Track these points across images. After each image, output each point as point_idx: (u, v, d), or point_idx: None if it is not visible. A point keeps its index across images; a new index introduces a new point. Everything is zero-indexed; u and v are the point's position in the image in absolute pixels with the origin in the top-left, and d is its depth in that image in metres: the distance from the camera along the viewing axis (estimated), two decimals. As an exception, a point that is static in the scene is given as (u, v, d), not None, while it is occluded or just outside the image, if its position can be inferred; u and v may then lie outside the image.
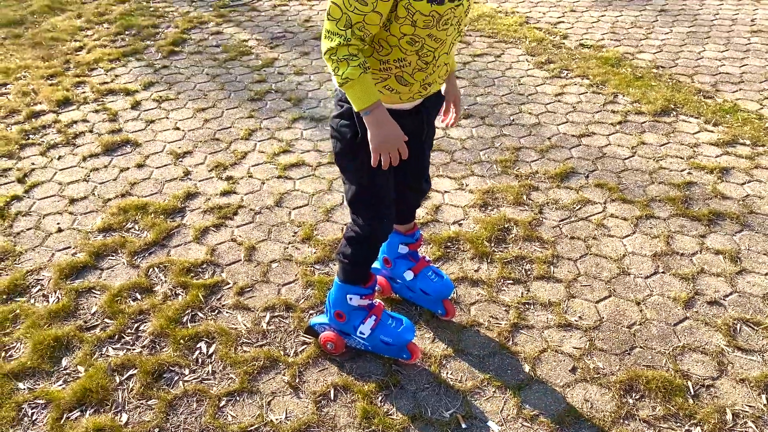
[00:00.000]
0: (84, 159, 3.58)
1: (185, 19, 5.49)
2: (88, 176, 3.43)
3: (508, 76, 4.49)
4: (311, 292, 2.63)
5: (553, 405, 2.15)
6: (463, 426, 2.09)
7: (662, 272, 2.72)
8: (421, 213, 3.06)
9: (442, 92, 2.13)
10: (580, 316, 2.50)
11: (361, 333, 2.22)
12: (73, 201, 3.24)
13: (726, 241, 2.89)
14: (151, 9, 5.72)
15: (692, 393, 2.18)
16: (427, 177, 2.23)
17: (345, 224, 3.01)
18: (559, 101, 4.14)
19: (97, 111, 4.07)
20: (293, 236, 2.96)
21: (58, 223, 3.08)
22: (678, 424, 2.08)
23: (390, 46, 1.76)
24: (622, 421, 2.09)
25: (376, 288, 2.42)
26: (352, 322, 2.22)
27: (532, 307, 2.55)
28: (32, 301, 2.62)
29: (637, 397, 2.18)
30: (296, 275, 2.73)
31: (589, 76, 4.47)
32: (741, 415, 2.10)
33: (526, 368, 2.29)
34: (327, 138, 3.73)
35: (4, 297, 2.63)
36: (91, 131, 3.85)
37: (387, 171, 1.94)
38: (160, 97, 4.23)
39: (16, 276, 2.72)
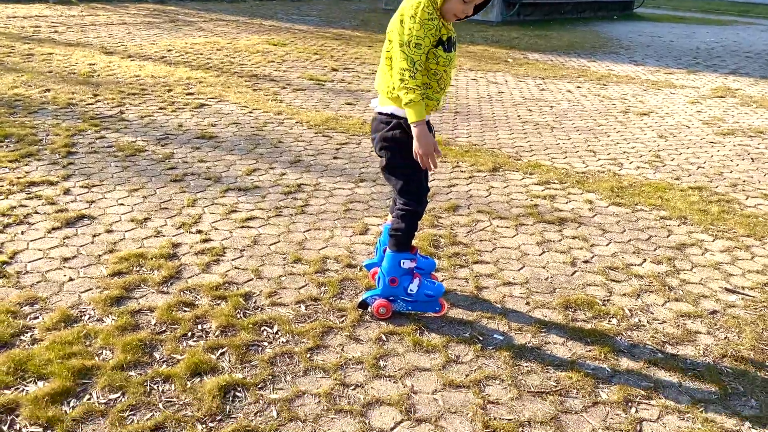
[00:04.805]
0: (49, 231, 3.85)
1: (60, 128, 5.82)
2: (64, 242, 3.73)
3: (375, 154, 5.68)
4: (325, 288, 3.38)
5: (525, 320, 3.19)
6: (480, 339, 3.01)
7: (547, 251, 3.98)
8: (373, 235, 3.99)
9: None
10: (513, 278, 3.61)
11: (410, 291, 3.06)
12: (65, 259, 3.54)
13: (574, 232, 4.29)
14: (17, 122, 5.92)
15: (601, 303, 3.39)
16: (428, 177, 3.22)
17: (319, 250, 3.81)
18: (421, 168, 5.41)
19: (30, 198, 4.30)
20: (284, 260, 3.67)
21: (65, 275, 3.38)
22: (596, 319, 3.25)
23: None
24: (569, 322, 3.20)
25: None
26: (403, 284, 3.06)
27: (481, 277, 3.60)
28: (91, 324, 2.95)
29: (572, 309, 3.32)
30: (305, 282, 3.45)
31: (432, 152, 5.86)
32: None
33: (498, 306, 3.31)
34: (262, 200, 4.49)
35: (62, 325, 2.92)
36: (37, 212, 4.10)
37: (421, 168, 2.93)
38: (86, 184, 4.60)
39: (62, 309, 3.02)
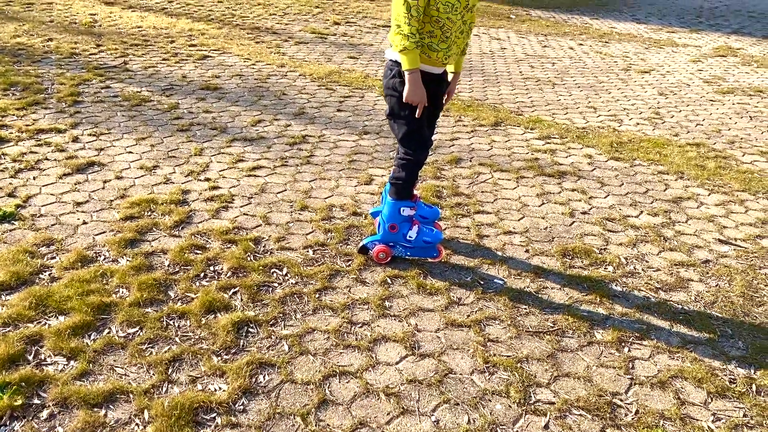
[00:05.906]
0: (60, 177, 3.93)
1: (65, 77, 5.84)
2: (76, 188, 3.82)
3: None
4: (332, 234, 3.48)
5: (524, 266, 3.31)
6: (481, 283, 3.14)
7: (546, 203, 4.08)
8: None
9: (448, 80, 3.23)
10: (513, 227, 3.72)
11: (409, 237, 3.16)
12: (78, 204, 3.63)
13: (573, 185, 4.38)
14: (21, 71, 5.93)
15: (598, 251, 3.51)
16: (433, 130, 3.28)
17: (325, 198, 3.91)
18: (423, 121, 5.47)
19: (40, 145, 4.37)
20: (291, 208, 3.77)
21: (78, 219, 3.48)
22: (593, 266, 3.37)
23: (424, 23, 2.82)
24: (566, 269, 3.32)
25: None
26: (402, 230, 3.16)
27: (482, 226, 3.71)
28: (107, 264, 3.06)
29: (570, 257, 3.44)
30: (312, 228, 3.55)
31: (435, 106, 5.91)
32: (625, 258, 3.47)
33: (499, 253, 3.42)
34: (268, 150, 4.57)
35: (79, 264, 3.03)
36: (47, 159, 4.18)
37: (423, 118, 2.98)
38: (94, 132, 4.66)
39: (78, 250, 3.13)
